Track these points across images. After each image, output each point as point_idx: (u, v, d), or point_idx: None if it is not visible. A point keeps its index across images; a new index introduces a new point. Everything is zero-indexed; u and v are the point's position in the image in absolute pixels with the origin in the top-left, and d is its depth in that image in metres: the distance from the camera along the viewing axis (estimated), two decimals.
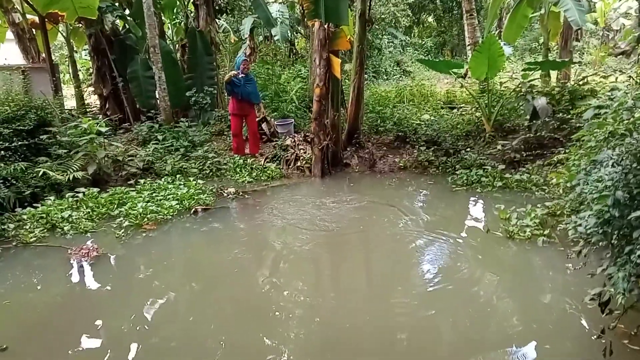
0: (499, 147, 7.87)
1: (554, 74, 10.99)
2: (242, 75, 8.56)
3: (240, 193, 7.10)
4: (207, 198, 6.67)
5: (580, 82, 8.57)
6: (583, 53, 19.11)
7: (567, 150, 5.50)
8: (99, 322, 3.81)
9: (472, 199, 6.64)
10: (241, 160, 8.43)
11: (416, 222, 5.77)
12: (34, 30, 11.96)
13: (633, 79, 7.72)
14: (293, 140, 9.05)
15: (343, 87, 9.19)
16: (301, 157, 8.47)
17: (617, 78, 8.53)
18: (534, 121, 7.91)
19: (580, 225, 3.24)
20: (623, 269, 2.89)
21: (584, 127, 4.43)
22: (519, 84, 8.65)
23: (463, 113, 10.08)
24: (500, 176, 7.02)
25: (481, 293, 4.09)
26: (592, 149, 3.82)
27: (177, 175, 7.45)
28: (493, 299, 3.99)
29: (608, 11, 19.83)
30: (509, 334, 3.49)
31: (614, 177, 3.04)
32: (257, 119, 9.22)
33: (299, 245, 5.24)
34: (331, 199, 6.79)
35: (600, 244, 3.27)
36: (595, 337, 3.24)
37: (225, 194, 7.04)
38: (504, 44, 8.66)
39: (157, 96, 10.10)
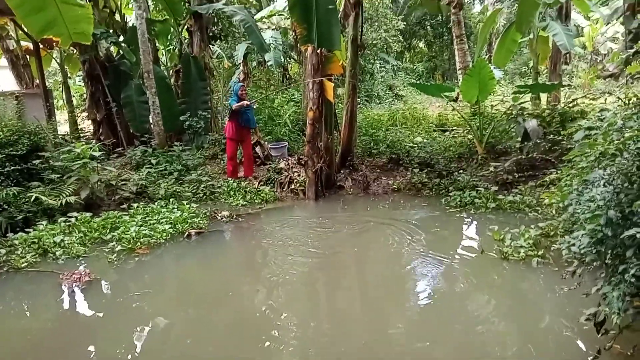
0: (492, 168, 7.90)
1: (544, 96, 11.15)
2: (248, 103, 8.67)
3: (234, 216, 7.07)
4: (201, 222, 6.66)
5: (570, 105, 8.67)
6: (572, 76, 19.43)
7: (558, 171, 5.53)
8: (91, 348, 3.75)
9: (466, 220, 6.66)
10: (235, 184, 8.40)
11: (411, 243, 5.76)
12: (27, 56, 12.05)
13: (622, 100, 7.85)
14: (287, 163, 9.06)
15: (336, 110, 9.24)
16: (295, 180, 8.47)
17: (606, 100, 8.65)
18: (526, 143, 7.97)
19: (573, 245, 3.24)
20: (617, 288, 2.88)
21: (575, 147, 4.46)
22: (510, 107, 8.75)
23: (455, 135, 10.15)
24: (493, 197, 7.05)
25: (476, 315, 4.08)
26: (584, 169, 3.85)
27: (171, 199, 7.45)
28: (488, 321, 3.97)
29: (595, 35, 20.30)
30: (505, 357, 3.47)
31: (605, 197, 3.06)
32: (252, 143, 9.30)
33: (293, 268, 5.21)
34: (325, 222, 6.78)
35: (594, 263, 3.27)
36: (591, 358, 3.22)
37: (219, 218, 7.01)
38: (494, 68, 8.85)
39: (151, 121, 10.13)
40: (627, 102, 5.13)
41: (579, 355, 3.40)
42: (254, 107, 8.81)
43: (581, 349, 3.45)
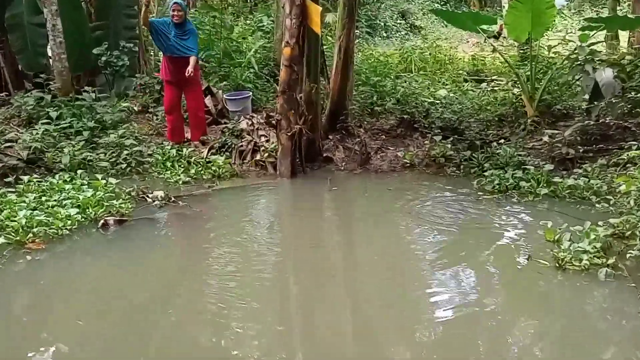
0: (546, 138, 7.98)
1: (624, 36, 11.15)
2: (176, 19, 8.50)
3: (172, 198, 7.07)
4: (123, 205, 6.63)
5: None
6: None
7: None
8: None
9: (507, 211, 6.71)
10: (174, 151, 8.43)
11: (426, 246, 5.81)
12: None
13: None
14: (250, 122, 9.02)
15: (324, 47, 9.36)
16: (262, 148, 8.49)
17: None
18: (596, 102, 8.02)
19: None
20: None
21: None
22: (575, 49, 8.73)
23: (495, 89, 10.21)
24: (546, 180, 7.11)
25: (520, 345, 4.12)
26: None
27: (79, 172, 7.38)
28: (535, 354, 4.01)
29: None
30: None
31: None
32: (202, 89, 9.30)
33: (256, 276, 5.24)
34: (304, 211, 6.84)
35: None
36: None
37: (149, 200, 7.04)
38: None
39: (50, 54, 10.01)
40: None
41: None
42: (190, 26, 8.64)
43: None
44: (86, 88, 9.60)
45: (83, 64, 10.47)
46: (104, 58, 10.35)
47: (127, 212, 6.55)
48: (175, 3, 8.61)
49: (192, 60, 8.41)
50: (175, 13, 8.51)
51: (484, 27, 9.20)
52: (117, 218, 6.36)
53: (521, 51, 10.15)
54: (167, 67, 8.71)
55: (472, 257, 5.53)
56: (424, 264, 5.48)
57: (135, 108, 10.25)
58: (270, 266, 5.56)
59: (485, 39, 9.59)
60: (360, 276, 5.47)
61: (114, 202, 6.64)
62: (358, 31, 14.72)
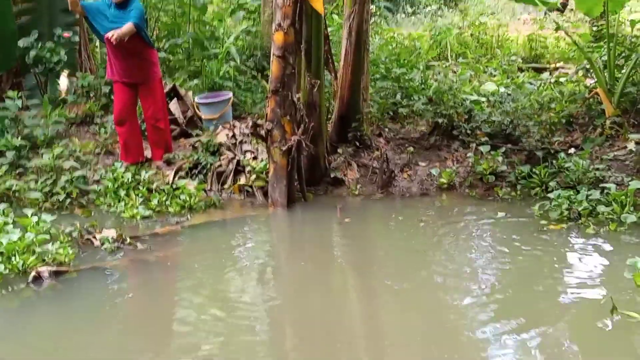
0: (631, 145, 8.06)
1: None
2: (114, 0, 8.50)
3: (128, 240, 7.06)
4: (62, 251, 6.54)
5: None
6: None
7: None
8: None
9: (579, 246, 6.70)
10: (129, 175, 8.42)
11: (474, 299, 5.71)
12: None
13: None
14: (231, 134, 9.07)
15: (329, 30, 9.25)
16: (248, 168, 8.51)
17: None
18: None
19: None
20: None
21: None
22: None
23: (561, 80, 10.18)
24: (634, 203, 7.10)
25: None
26: None
27: (1, 206, 7.43)
28: None
29: None
30: None
31: None
32: (164, 92, 9.28)
33: (245, 353, 5.07)
34: (307, 253, 6.89)
35: None
36: None
37: (97, 242, 7.01)
38: None
39: None
40: None
41: None
42: (136, 3, 8.57)
43: None
44: (9, 93, 9.66)
45: (4, 61, 10.58)
46: (33, 52, 10.34)
47: (66, 259, 6.48)
48: None
49: (126, 26, 8.26)
50: None
51: None
52: (54, 268, 6.27)
53: (594, 29, 10.11)
54: (112, 62, 8.73)
55: (537, 315, 5.39)
56: (470, 326, 5.34)
57: (77, 118, 10.27)
58: (264, 337, 5.41)
59: (545, 14, 9.52)
60: (385, 347, 5.28)
61: (49, 246, 6.56)
62: (374, 6, 15.01)
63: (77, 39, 10.91)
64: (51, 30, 10.57)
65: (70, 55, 10.67)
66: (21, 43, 10.39)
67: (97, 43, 11.88)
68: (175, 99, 9.96)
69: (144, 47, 8.72)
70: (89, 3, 8.88)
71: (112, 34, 8.13)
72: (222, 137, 9.09)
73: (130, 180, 8.37)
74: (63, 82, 9.75)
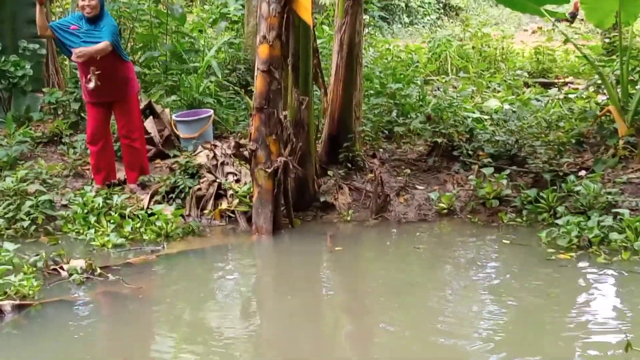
0: None
1: None
2: (88, 11, 8.39)
3: (98, 270, 6.93)
4: (25, 283, 6.43)
5: None
6: None
7: None
8: None
9: (590, 277, 6.66)
10: (100, 199, 8.35)
11: (477, 339, 5.62)
12: None
13: None
14: (212, 154, 9.07)
15: (319, 42, 9.49)
16: (230, 192, 8.51)
17: None
18: None
19: None
20: None
21: None
22: None
23: (570, 96, 10.22)
24: None
25: None
26: None
27: None
28: None
29: None
30: None
31: None
32: (140, 109, 9.33)
33: None
34: (294, 285, 6.82)
35: None
36: None
37: (64, 273, 6.87)
38: None
39: None
40: None
41: None
42: (108, 20, 8.61)
43: None
44: None
45: None
46: None
47: (31, 292, 6.37)
48: None
49: (100, 45, 8.27)
50: (86, 3, 8.38)
51: (551, 6, 9.21)
52: (17, 302, 6.20)
53: (606, 41, 10.12)
54: (83, 82, 8.66)
55: (540, 347, 5.36)
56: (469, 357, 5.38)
57: (43, 137, 10.30)
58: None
59: (553, 25, 9.50)
60: None
61: (12, 278, 6.43)
62: (367, 16, 15.22)
63: (44, 51, 11.02)
64: (15, 42, 10.62)
65: (37, 69, 10.80)
66: None
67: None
68: (151, 116, 9.97)
69: (118, 62, 8.70)
70: (58, 23, 8.85)
71: (80, 51, 8.13)
72: (202, 158, 9.00)
73: (101, 205, 8.27)
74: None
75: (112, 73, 8.55)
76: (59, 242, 7.88)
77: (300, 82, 8.27)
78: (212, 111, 10.44)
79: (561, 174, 8.27)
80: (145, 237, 7.94)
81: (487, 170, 8.46)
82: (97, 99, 8.67)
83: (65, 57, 11.21)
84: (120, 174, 9.21)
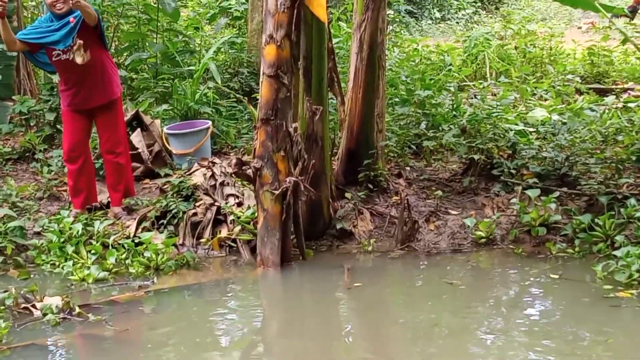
0: None
1: None
2: (59, 8, 8.45)
3: (77, 309, 6.81)
4: None
5: None
6: None
7: None
8: None
9: None
10: (80, 226, 8.26)
11: None
12: None
13: None
14: (210, 174, 8.97)
15: (335, 43, 9.61)
16: (230, 218, 8.45)
17: None
18: None
19: None
20: None
21: None
22: None
23: (629, 106, 10.34)
24: None
25: None
26: None
27: None
28: None
29: None
30: None
31: None
32: (125, 120, 9.36)
33: None
34: (305, 327, 6.80)
35: None
36: None
37: (37, 312, 6.82)
38: None
39: None
40: None
41: None
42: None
43: None
44: None
45: None
46: None
47: None
48: None
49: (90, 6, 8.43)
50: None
51: (606, 2, 8.93)
52: None
53: None
54: (66, 87, 8.75)
55: None
56: None
57: (13, 153, 10.60)
58: None
59: (610, 21, 9.33)
60: None
61: None
62: (391, 11, 15.13)
63: (11, 53, 11.01)
64: None
65: (6, 74, 11.09)
66: None
67: None
68: (138, 129, 9.97)
69: (104, 53, 8.89)
70: (26, 31, 8.95)
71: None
72: (198, 177, 8.86)
73: (80, 232, 8.21)
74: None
75: (101, 70, 8.73)
76: (31, 276, 7.83)
77: (313, 89, 8.14)
78: (210, 123, 10.43)
79: (620, 196, 8.02)
80: (131, 270, 7.85)
81: (533, 193, 8.27)
82: (83, 106, 8.72)
83: None
84: (103, 196, 9.20)
